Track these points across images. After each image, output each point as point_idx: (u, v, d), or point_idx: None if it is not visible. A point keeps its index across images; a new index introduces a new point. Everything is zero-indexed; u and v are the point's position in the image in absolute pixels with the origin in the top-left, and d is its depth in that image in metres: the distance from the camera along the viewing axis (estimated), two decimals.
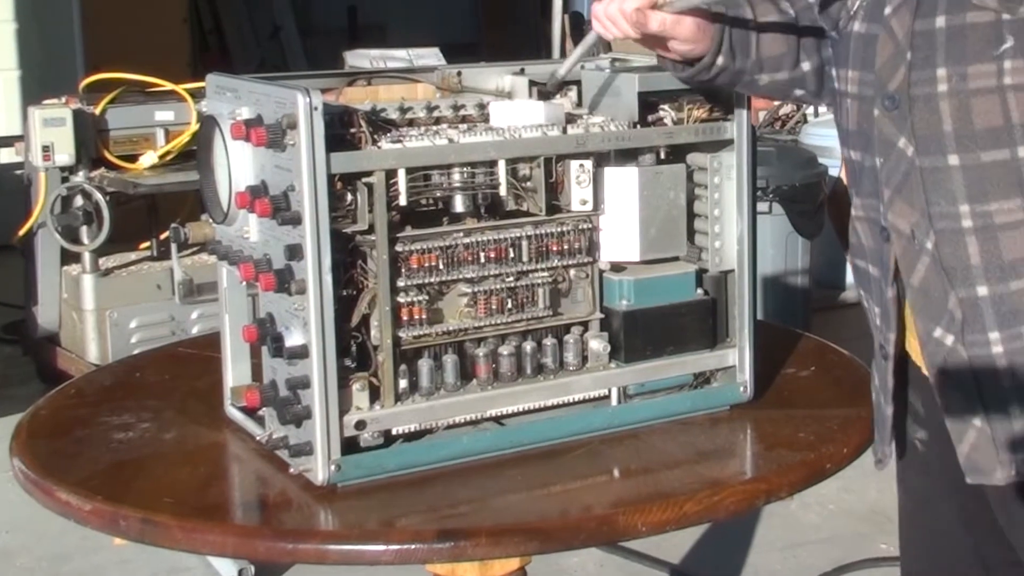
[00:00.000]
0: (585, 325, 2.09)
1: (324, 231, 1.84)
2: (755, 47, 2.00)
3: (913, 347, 1.87)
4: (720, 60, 1.99)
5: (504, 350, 2.02)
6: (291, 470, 1.93)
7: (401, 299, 1.94)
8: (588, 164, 2.04)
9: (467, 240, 1.97)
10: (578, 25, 7.31)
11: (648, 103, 2.09)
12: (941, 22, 1.68)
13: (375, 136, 1.91)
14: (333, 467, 1.89)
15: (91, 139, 4.68)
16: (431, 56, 4.98)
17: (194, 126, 4.69)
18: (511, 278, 2.01)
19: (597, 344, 2.08)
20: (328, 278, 1.86)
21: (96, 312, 4.75)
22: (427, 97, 2.22)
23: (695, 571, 3.94)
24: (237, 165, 1.96)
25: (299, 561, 1.89)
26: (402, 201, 1.92)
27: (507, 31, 11.08)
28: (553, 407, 2.07)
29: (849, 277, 4.77)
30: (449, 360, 1.99)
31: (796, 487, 1.99)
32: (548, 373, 2.05)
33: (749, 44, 2.00)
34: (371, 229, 1.91)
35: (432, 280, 1.96)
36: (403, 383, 1.96)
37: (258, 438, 2.02)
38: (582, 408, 2.10)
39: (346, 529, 1.85)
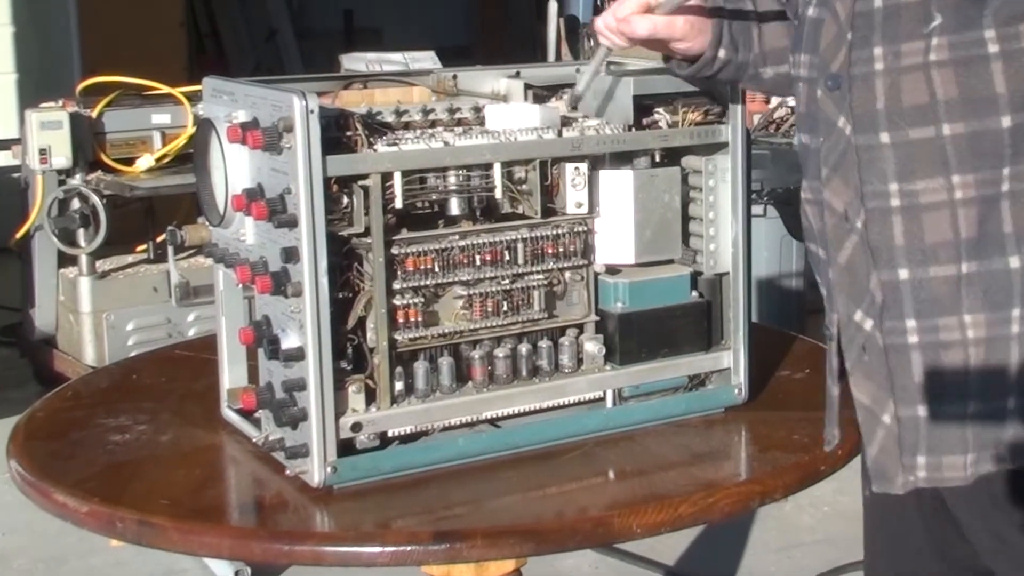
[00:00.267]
0: (580, 327, 2.10)
1: (320, 234, 1.85)
2: (757, 40, 2.00)
3: None
4: (722, 54, 1.99)
5: (500, 352, 2.02)
6: (287, 472, 1.93)
7: (397, 301, 1.94)
8: (583, 167, 2.05)
9: (463, 243, 1.98)
10: (573, 29, 7.31)
11: (643, 106, 2.09)
12: (879, 2, 1.68)
13: (371, 139, 1.92)
14: (329, 469, 1.89)
15: (88, 142, 4.68)
16: (427, 59, 4.98)
17: (190, 129, 4.69)
18: (506, 281, 2.02)
19: (592, 346, 2.09)
20: (324, 281, 1.86)
21: (93, 314, 4.75)
22: (423, 100, 2.23)
23: (690, 573, 3.94)
24: (233, 168, 1.96)
25: (295, 563, 1.90)
26: (398, 204, 1.93)
27: (502, 34, 11.08)
28: (548, 409, 2.08)
29: None
30: (445, 362, 1.99)
31: (791, 489, 2.00)
32: (543, 375, 2.06)
33: (751, 37, 2.00)
34: (367, 232, 1.91)
35: (428, 283, 1.96)
36: (399, 385, 1.96)
37: (254, 440, 2.02)
38: (577, 410, 2.10)
39: (342, 531, 1.85)
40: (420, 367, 1.98)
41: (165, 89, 4.88)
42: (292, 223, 1.85)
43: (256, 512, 1.96)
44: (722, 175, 2.13)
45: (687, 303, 2.15)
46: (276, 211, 1.86)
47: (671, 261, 2.15)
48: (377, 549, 1.78)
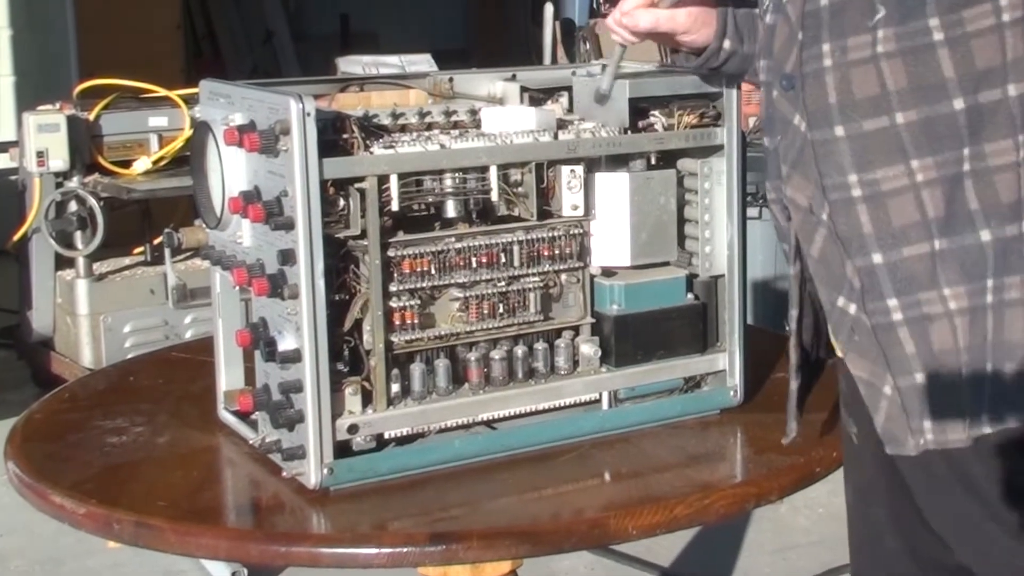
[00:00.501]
0: (576, 330, 2.10)
1: (317, 236, 1.85)
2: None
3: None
4: (727, 45, 2.01)
5: (496, 354, 2.03)
6: (284, 474, 1.94)
7: (393, 304, 1.95)
8: (579, 169, 2.05)
9: (459, 245, 1.98)
10: (569, 32, 7.31)
11: (639, 109, 2.10)
12: (825, 0, 1.71)
13: (367, 142, 1.92)
14: (326, 471, 1.90)
15: (85, 145, 4.68)
16: (423, 62, 4.99)
17: (187, 132, 4.69)
18: (503, 283, 2.02)
19: (588, 348, 2.09)
20: (321, 283, 1.87)
21: (90, 317, 4.75)
22: (419, 103, 2.23)
23: (686, 574, 3.95)
24: (230, 170, 1.97)
25: (292, 564, 1.90)
26: (394, 206, 1.93)
27: (498, 38, 11.07)
28: (544, 411, 2.08)
29: None
30: (441, 364, 2.00)
31: (786, 491, 2.01)
32: (539, 377, 2.07)
33: (757, 28, 2.02)
34: (363, 234, 1.92)
35: (424, 285, 1.97)
36: (395, 387, 1.97)
37: (251, 442, 2.03)
38: (573, 412, 2.11)
39: (339, 532, 1.86)
40: (416, 369, 1.98)
41: (162, 92, 4.88)
42: (289, 225, 1.85)
43: (253, 514, 1.96)
44: (717, 178, 2.14)
45: (683, 305, 2.15)
46: (273, 213, 1.87)
47: (667, 263, 2.16)
48: (373, 550, 1.78)
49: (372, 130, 1.98)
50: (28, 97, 6.36)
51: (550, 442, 2.07)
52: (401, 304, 1.95)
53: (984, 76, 1.64)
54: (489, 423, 2.06)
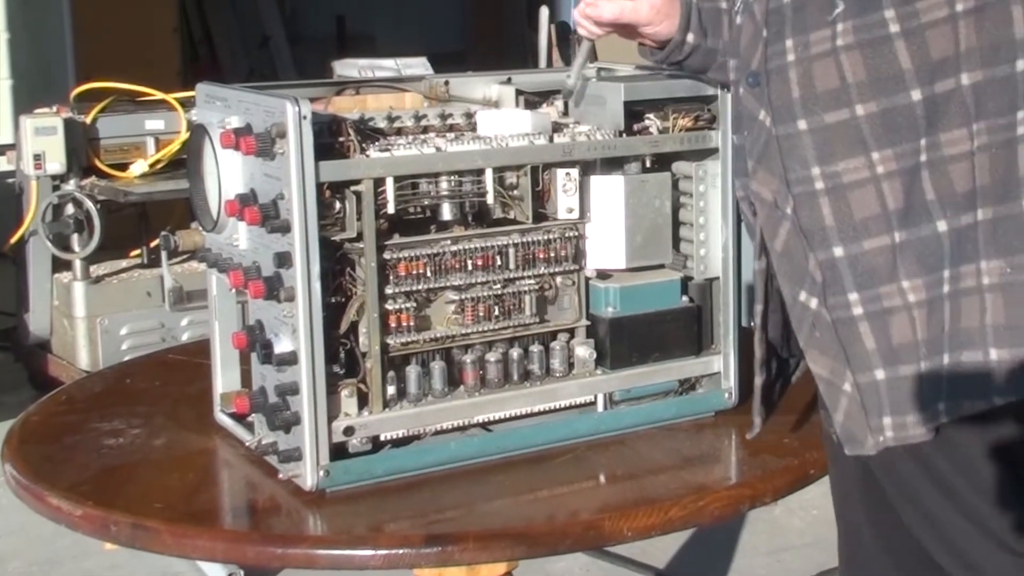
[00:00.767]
0: (571, 332, 2.11)
1: (313, 239, 1.86)
2: (727, 28, 2.04)
3: None
4: (690, 38, 2.03)
5: (491, 357, 2.03)
6: (280, 476, 1.94)
7: (389, 306, 1.95)
8: (574, 172, 2.06)
9: (454, 248, 1.99)
10: (565, 35, 7.31)
11: (634, 112, 2.10)
12: None
13: (363, 145, 1.93)
14: (322, 472, 1.90)
15: (82, 148, 4.68)
16: (419, 66, 4.98)
17: (184, 135, 4.69)
18: (498, 285, 2.03)
19: (583, 351, 2.10)
20: (317, 285, 1.87)
21: (87, 319, 4.76)
22: (415, 106, 2.24)
23: None
24: (227, 173, 1.97)
25: (288, 566, 1.90)
26: (390, 209, 1.94)
27: (494, 41, 11.07)
28: (540, 413, 2.09)
29: None
30: (437, 367, 2.00)
31: (780, 492, 2.01)
32: (535, 380, 2.07)
33: (720, 24, 2.04)
34: (359, 237, 1.92)
35: (420, 287, 1.97)
36: (391, 389, 1.97)
37: (247, 444, 2.03)
38: (568, 414, 2.11)
39: (335, 534, 1.86)
40: (412, 371, 1.99)
41: (159, 95, 4.88)
42: (285, 228, 1.86)
43: (249, 515, 1.97)
44: (712, 180, 2.14)
45: (677, 308, 2.16)
46: (269, 216, 1.87)
47: (662, 266, 2.17)
48: (369, 552, 1.79)
49: (368, 133, 1.98)
50: (25, 100, 6.35)
51: (545, 444, 2.08)
52: (397, 306, 1.96)
53: (939, 66, 1.66)
54: (485, 425, 2.06)
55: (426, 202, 1.98)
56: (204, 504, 1.96)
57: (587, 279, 2.11)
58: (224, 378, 2.20)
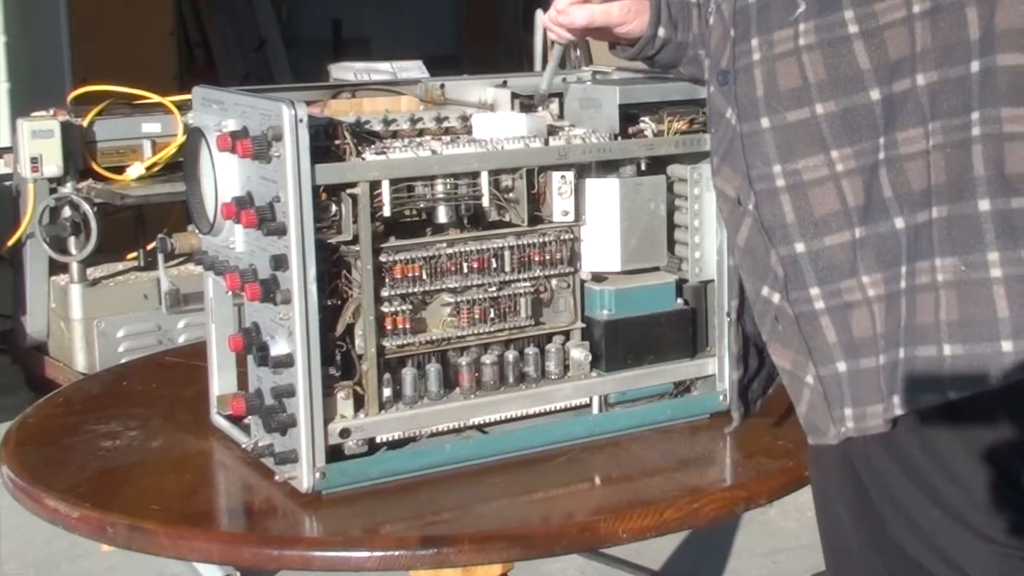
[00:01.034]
0: (567, 334, 2.11)
1: (309, 242, 1.86)
2: (697, 21, 2.06)
3: None
4: (661, 32, 2.07)
5: (487, 359, 2.04)
6: (276, 478, 1.94)
7: (385, 309, 1.96)
8: (570, 175, 2.06)
9: (450, 250, 1.99)
10: None
11: (629, 115, 2.11)
12: None
13: (359, 148, 1.93)
14: (318, 474, 1.91)
15: (79, 151, 4.69)
16: (415, 69, 4.99)
17: (180, 138, 4.70)
18: (494, 288, 2.03)
19: (578, 353, 2.10)
20: (313, 288, 1.88)
21: (84, 321, 4.76)
22: (411, 109, 2.24)
23: None
24: (223, 176, 1.98)
25: (284, 567, 1.91)
26: (386, 212, 1.94)
27: (490, 44, 11.08)
28: (535, 415, 2.09)
29: None
30: (432, 369, 2.01)
31: (775, 494, 2.02)
32: (530, 382, 2.08)
33: (691, 17, 2.07)
34: (355, 240, 1.93)
35: (416, 290, 1.98)
36: (387, 392, 1.98)
37: (244, 446, 2.04)
38: (564, 416, 2.12)
39: (331, 536, 1.86)
40: (408, 374, 1.99)
41: (155, 98, 4.89)
42: (281, 231, 1.86)
43: (246, 517, 1.97)
44: (707, 183, 2.14)
45: (672, 310, 2.16)
46: (265, 219, 1.88)
47: (657, 269, 2.17)
48: (365, 554, 1.79)
49: (364, 136, 1.99)
50: (22, 103, 6.36)
51: (541, 446, 2.08)
52: (393, 309, 1.96)
53: (896, 66, 1.67)
54: (480, 427, 2.07)
55: (422, 205, 1.99)
56: (200, 506, 1.96)
57: (582, 282, 2.11)
58: (220, 380, 2.21)
